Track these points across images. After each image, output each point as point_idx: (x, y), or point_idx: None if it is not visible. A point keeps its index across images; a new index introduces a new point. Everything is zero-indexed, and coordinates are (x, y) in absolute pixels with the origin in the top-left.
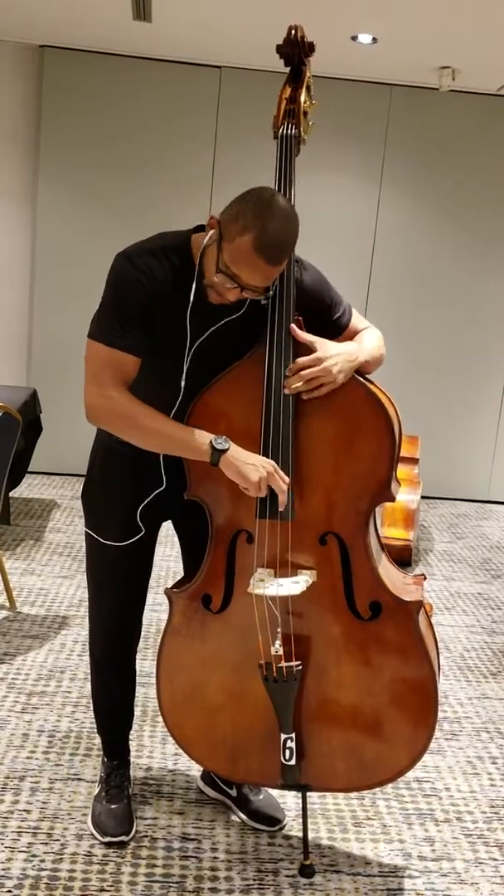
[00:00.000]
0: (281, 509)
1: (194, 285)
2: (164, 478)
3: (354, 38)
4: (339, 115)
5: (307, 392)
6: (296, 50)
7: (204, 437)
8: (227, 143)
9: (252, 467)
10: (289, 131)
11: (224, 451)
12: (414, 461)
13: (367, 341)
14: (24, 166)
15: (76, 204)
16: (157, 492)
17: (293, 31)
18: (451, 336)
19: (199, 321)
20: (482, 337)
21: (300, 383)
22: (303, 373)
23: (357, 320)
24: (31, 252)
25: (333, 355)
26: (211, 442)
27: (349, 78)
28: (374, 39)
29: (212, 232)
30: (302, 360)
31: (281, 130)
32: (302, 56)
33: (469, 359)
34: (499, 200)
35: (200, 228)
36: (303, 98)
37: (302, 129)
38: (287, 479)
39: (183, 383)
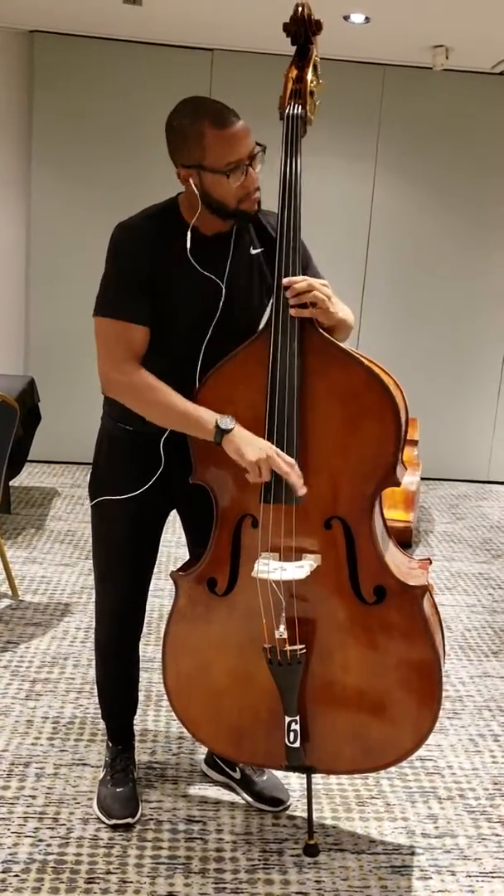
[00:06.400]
0: (299, 493)
1: (189, 234)
2: (163, 458)
3: (347, 17)
4: (333, 96)
5: (299, 306)
6: (302, 28)
7: (210, 416)
8: None
9: (251, 448)
10: (295, 111)
11: (228, 431)
12: (413, 443)
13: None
14: (16, 153)
15: (70, 190)
16: (158, 473)
17: (300, 9)
18: (448, 316)
19: (208, 266)
20: (479, 316)
21: (300, 288)
22: (298, 286)
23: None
24: (27, 239)
25: (325, 286)
26: (216, 421)
27: (342, 58)
28: (367, 19)
29: (189, 179)
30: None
31: (287, 110)
32: (309, 35)
33: (467, 339)
34: (494, 179)
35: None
36: (309, 77)
37: (308, 109)
38: (290, 461)
39: (207, 338)
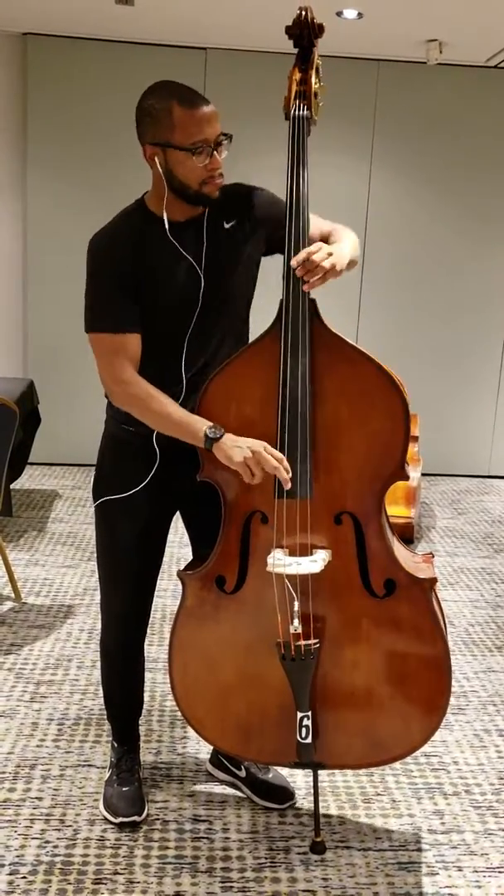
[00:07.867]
0: (287, 487)
1: (165, 215)
2: (157, 451)
3: (340, 13)
4: (328, 92)
5: (309, 277)
6: (305, 31)
7: (201, 425)
8: None
9: (238, 449)
10: (301, 112)
11: (216, 439)
12: (414, 438)
13: (345, 243)
14: (12, 156)
15: (67, 191)
16: (155, 467)
17: (303, 13)
18: (447, 311)
19: (186, 249)
20: (478, 311)
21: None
22: (304, 260)
23: (318, 223)
24: (24, 242)
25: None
26: (205, 430)
27: (336, 55)
28: (360, 14)
29: (155, 157)
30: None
31: (293, 111)
32: (311, 38)
33: (466, 334)
34: (490, 172)
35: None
36: (313, 80)
37: (313, 110)
38: (279, 456)
39: (193, 322)
